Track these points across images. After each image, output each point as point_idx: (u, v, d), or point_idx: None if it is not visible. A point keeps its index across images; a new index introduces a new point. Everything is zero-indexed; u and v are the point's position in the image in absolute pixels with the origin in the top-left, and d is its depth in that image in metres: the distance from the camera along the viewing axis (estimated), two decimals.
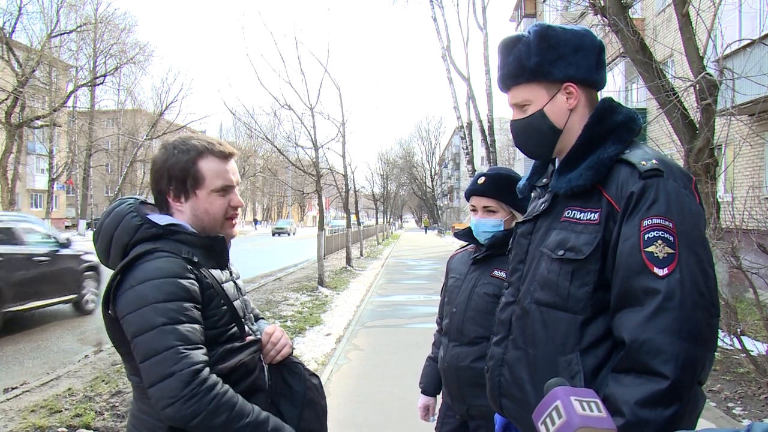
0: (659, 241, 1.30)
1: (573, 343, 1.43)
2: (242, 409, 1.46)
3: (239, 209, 1.71)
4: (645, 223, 1.33)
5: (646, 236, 1.32)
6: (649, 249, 1.31)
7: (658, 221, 1.32)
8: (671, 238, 1.30)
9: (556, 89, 1.54)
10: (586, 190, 1.47)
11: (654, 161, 1.38)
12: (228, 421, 1.42)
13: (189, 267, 1.52)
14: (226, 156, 1.67)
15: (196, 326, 1.47)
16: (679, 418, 1.24)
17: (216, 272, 1.63)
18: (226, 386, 1.46)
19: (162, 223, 1.59)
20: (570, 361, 1.42)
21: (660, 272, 1.29)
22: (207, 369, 1.43)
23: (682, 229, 1.31)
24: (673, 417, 1.23)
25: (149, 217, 1.62)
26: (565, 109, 1.55)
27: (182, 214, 1.65)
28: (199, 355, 1.43)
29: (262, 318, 2.02)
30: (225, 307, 1.58)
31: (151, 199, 1.75)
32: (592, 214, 1.44)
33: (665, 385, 1.23)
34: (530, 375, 1.52)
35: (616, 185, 1.41)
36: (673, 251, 1.29)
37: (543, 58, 1.52)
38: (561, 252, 1.47)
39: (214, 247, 1.64)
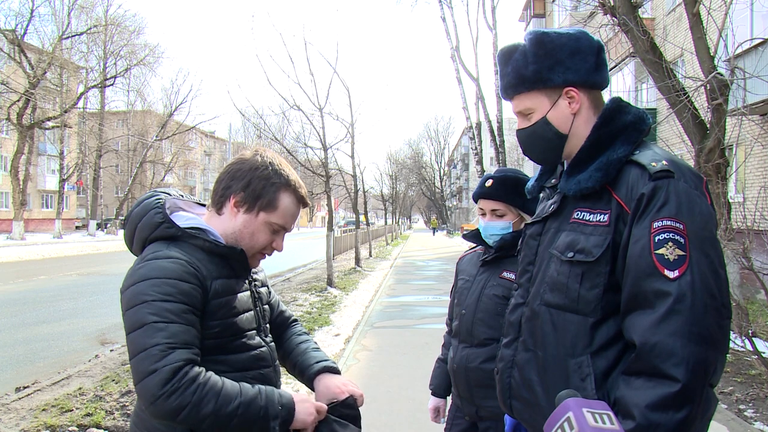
0: (670, 243, 1.29)
1: (583, 346, 1.42)
2: (229, 392, 1.43)
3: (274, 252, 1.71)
4: (655, 225, 1.32)
5: (656, 238, 1.31)
6: (660, 251, 1.30)
7: (669, 223, 1.31)
8: (682, 240, 1.29)
9: (557, 95, 1.54)
10: (595, 192, 1.47)
11: (664, 162, 1.37)
12: (216, 409, 1.39)
13: (198, 275, 1.51)
14: (302, 203, 1.68)
15: (191, 328, 1.45)
16: (691, 422, 1.23)
17: (230, 282, 1.60)
18: (209, 374, 1.43)
19: (182, 225, 1.59)
20: (581, 364, 1.42)
21: (671, 274, 1.28)
22: (190, 365, 1.40)
23: (693, 230, 1.30)
24: (684, 420, 1.22)
25: (174, 215, 1.61)
26: (568, 114, 1.54)
27: (231, 219, 1.63)
28: (186, 352, 1.40)
29: (295, 322, 2.01)
30: (229, 319, 1.57)
31: (188, 195, 1.75)
32: (602, 216, 1.43)
33: (676, 388, 1.22)
34: (540, 377, 1.51)
35: (626, 187, 1.40)
36: (684, 253, 1.28)
37: (540, 65, 1.52)
38: (571, 254, 1.46)
39: (231, 257, 1.62)
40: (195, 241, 1.58)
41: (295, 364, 1.86)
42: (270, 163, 1.63)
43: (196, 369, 1.41)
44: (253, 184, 1.60)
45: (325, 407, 1.62)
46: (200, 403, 1.38)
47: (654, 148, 1.46)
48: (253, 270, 1.75)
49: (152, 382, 1.36)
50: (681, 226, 1.30)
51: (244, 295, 1.65)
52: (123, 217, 1.85)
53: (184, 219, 1.62)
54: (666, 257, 1.29)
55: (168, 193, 1.69)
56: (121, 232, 1.93)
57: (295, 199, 1.65)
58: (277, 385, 1.69)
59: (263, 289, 1.80)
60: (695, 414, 1.24)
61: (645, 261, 1.31)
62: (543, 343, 1.51)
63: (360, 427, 1.68)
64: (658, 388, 1.23)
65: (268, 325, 1.79)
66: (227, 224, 1.64)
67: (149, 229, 1.59)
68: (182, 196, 1.73)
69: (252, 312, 1.67)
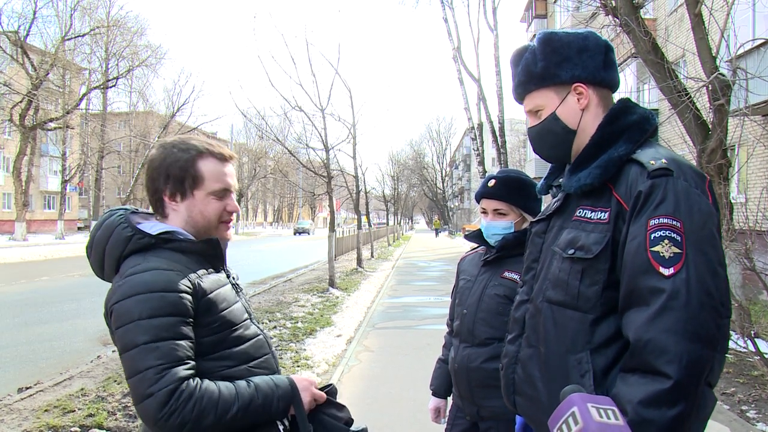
0: (666, 241, 1.30)
1: (583, 342, 1.43)
2: (226, 400, 1.46)
3: (234, 214, 1.72)
4: (652, 222, 1.32)
5: (652, 236, 1.31)
6: (655, 248, 1.30)
7: (666, 221, 1.31)
8: (678, 238, 1.29)
9: (565, 91, 1.56)
10: (597, 189, 1.48)
11: (663, 160, 1.38)
12: (217, 419, 1.43)
13: (183, 278, 1.51)
14: (225, 159, 1.68)
15: (183, 342, 1.45)
16: (684, 419, 1.23)
17: (213, 276, 1.62)
18: (205, 384, 1.45)
19: (153, 233, 1.58)
20: (580, 360, 1.42)
21: (666, 272, 1.28)
22: (185, 382, 1.42)
23: (691, 228, 1.30)
24: (677, 417, 1.22)
25: (140, 226, 1.60)
26: (577, 109, 1.56)
27: (177, 214, 1.64)
28: (180, 370, 1.42)
29: None
30: (224, 312, 1.58)
31: (141, 208, 1.74)
32: (602, 214, 1.45)
33: (668, 384, 1.22)
34: (541, 373, 1.53)
35: (626, 185, 1.42)
36: (679, 251, 1.29)
37: (549, 62, 1.56)
38: (571, 251, 1.48)
39: (208, 251, 1.63)
40: (170, 244, 1.58)
41: None
42: (173, 145, 1.65)
43: (191, 384, 1.43)
44: (171, 171, 1.61)
45: (325, 396, 1.67)
46: (200, 417, 1.41)
47: (657, 147, 1.47)
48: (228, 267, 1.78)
49: (151, 407, 1.39)
50: (678, 224, 1.30)
51: (228, 287, 1.67)
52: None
53: (150, 227, 1.61)
54: (661, 254, 1.29)
55: (126, 209, 1.68)
56: None
57: (215, 159, 1.65)
58: (278, 369, 1.72)
59: (239, 281, 1.81)
60: (689, 411, 1.23)
61: (641, 258, 1.32)
62: (545, 339, 1.52)
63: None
64: (651, 384, 1.24)
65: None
66: (178, 220, 1.64)
67: (121, 245, 1.57)
68: (137, 210, 1.72)
69: (239, 302, 1.68)
